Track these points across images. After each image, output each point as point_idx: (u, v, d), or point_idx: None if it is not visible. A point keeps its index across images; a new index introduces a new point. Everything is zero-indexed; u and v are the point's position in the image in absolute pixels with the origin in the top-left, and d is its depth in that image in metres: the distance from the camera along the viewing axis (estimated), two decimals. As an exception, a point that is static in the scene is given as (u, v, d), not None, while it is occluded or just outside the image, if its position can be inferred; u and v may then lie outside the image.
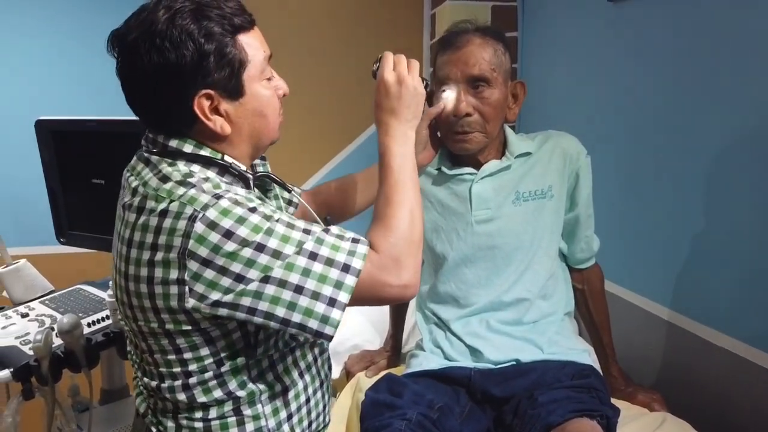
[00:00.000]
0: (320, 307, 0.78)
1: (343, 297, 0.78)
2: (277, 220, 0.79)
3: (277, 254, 0.77)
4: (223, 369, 0.86)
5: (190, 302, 0.77)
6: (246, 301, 0.77)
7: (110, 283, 0.90)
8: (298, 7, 2.14)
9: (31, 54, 1.99)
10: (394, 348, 1.51)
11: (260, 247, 0.76)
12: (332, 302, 0.78)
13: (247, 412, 0.89)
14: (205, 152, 0.85)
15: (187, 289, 0.77)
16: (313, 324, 0.78)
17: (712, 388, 1.31)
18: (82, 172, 1.40)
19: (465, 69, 1.13)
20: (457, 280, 1.24)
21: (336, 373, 1.58)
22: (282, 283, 0.77)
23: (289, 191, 1.06)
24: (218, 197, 0.77)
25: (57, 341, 1.17)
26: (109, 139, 1.33)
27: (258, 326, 0.84)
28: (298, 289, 0.77)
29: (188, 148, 0.85)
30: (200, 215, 0.76)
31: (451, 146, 1.20)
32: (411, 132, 0.93)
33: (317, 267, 0.78)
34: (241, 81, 0.83)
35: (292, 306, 0.77)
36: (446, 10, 2.06)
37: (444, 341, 1.23)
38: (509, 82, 1.19)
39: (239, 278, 0.76)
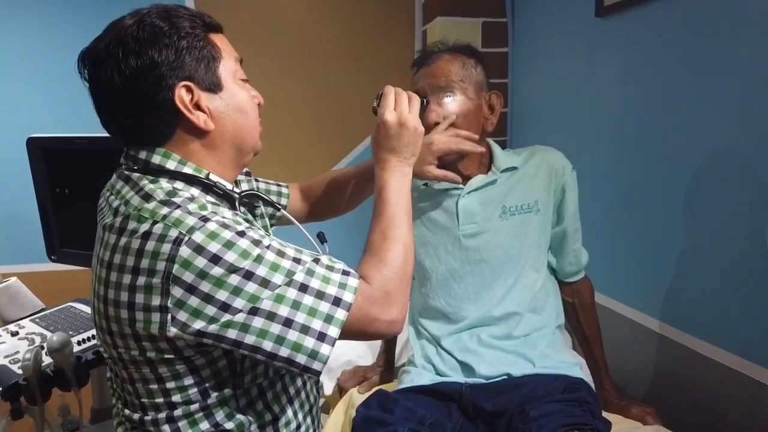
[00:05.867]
0: (309, 342, 0.74)
1: (333, 331, 0.76)
2: (267, 246, 0.75)
3: (265, 283, 0.73)
4: (209, 400, 0.82)
5: (172, 331, 0.73)
6: (232, 333, 0.73)
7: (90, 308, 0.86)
8: (289, 24, 2.16)
9: (23, 72, 1.99)
10: (387, 363, 1.51)
11: (248, 275, 0.73)
12: (322, 337, 0.75)
13: None
14: (189, 169, 0.83)
15: (169, 316, 0.72)
16: (300, 359, 0.74)
17: (704, 399, 1.31)
18: (74, 190, 1.40)
19: (432, 81, 1.18)
20: (447, 295, 1.25)
21: (329, 389, 1.57)
22: (270, 316, 0.73)
23: (278, 209, 1.04)
24: (205, 219, 0.74)
25: (47, 360, 1.17)
26: (100, 156, 1.33)
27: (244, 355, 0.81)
28: (287, 323, 0.74)
29: (171, 164, 0.82)
30: (186, 238, 0.72)
31: None
32: (409, 169, 0.94)
33: (307, 299, 0.75)
34: (217, 74, 0.83)
35: (280, 340, 0.74)
36: (437, 26, 2.08)
37: (435, 356, 1.23)
38: (483, 93, 1.22)
39: (225, 307, 0.72)
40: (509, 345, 1.21)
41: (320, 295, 0.76)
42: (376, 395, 1.16)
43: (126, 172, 0.83)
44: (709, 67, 1.25)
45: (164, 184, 0.80)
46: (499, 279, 1.23)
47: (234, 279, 0.72)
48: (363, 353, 1.65)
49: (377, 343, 1.57)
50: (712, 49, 1.24)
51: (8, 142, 1.88)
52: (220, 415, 0.83)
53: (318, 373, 0.77)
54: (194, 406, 0.81)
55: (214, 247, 0.72)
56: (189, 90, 0.80)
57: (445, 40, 1.25)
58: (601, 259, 1.51)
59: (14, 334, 1.32)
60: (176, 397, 0.80)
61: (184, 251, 0.71)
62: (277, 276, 0.75)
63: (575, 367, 1.20)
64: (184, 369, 0.79)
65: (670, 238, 1.39)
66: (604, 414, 1.16)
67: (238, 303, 0.72)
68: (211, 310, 0.72)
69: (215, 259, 0.72)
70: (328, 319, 0.76)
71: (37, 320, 1.40)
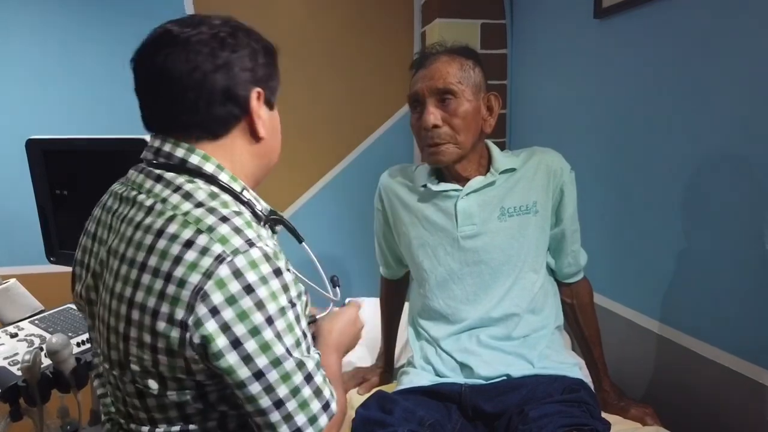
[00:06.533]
0: (310, 411, 0.77)
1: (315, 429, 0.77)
2: (290, 302, 0.76)
3: (279, 337, 0.73)
4: (215, 416, 0.80)
5: (189, 351, 0.72)
6: (240, 374, 0.72)
7: (101, 308, 0.79)
8: (287, 26, 2.16)
9: (23, 73, 2.00)
10: (387, 365, 1.51)
11: (269, 320, 0.72)
12: (313, 420, 0.77)
13: None
14: (225, 177, 0.82)
15: (188, 336, 0.71)
16: (297, 423, 0.75)
17: (703, 400, 1.31)
18: (73, 192, 1.40)
19: (431, 83, 1.18)
20: (446, 297, 1.25)
21: (328, 390, 1.57)
22: (284, 377, 0.74)
23: (300, 242, 1.02)
24: (251, 244, 0.73)
25: (46, 361, 1.17)
26: (99, 158, 1.33)
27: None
28: (294, 391, 0.75)
29: (210, 167, 0.81)
30: (228, 258, 0.71)
31: (426, 159, 1.23)
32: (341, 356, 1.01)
33: (306, 390, 0.76)
34: (275, 94, 0.90)
35: (279, 403, 0.74)
36: (436, 28, 2.09)
37: (435, 357, 1.23)
38: (482, 94, 1.21)
39: (236, 343, 0.71)
40: (508, 346, 1.21)
41: (318, 392, 0.78)
42: (375, 396, 1.16)
43: (157, 171, 0.81)
44: (708, 67, 1.25)
45: (202, 185, 0.79)
46: (497, 280, 1.23)
47: (257, 318, 0.72)
48: (362, 355, 1.65)
49: (376, 345, 1.57)
50: (709, 49, 1.24)
51: (8, 143, 1.88)
52: (232, 425, 0.82)
53: None
54: (215, 417, 0.81)
55: (251, 277, 0.72)
56: (259, 96, 0.84)
57: (443, 42, 1.24)
58: (600, 260, 1.52)
59: (13, 335, 1.32)
60: (192, 409, 0.78)
61: (223, 271, 0.70)
62: (289, 337, 0.75)
63: (574, 367, 1.21)
64: (194, 393, 0.77)
65: (669, 239, 1.40)
66: (603, 414, 1.16)
67: (250, 345, 0.72)
68: (222, 341, 0.71)
69: (249, 289, 0.71)
70: (312, 419, 0.77)
71: (36, 322, 1.40)
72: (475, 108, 1.20)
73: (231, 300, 0.70)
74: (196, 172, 0.80)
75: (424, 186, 1.27)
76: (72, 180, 1.41)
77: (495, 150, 1.27)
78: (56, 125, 1.91)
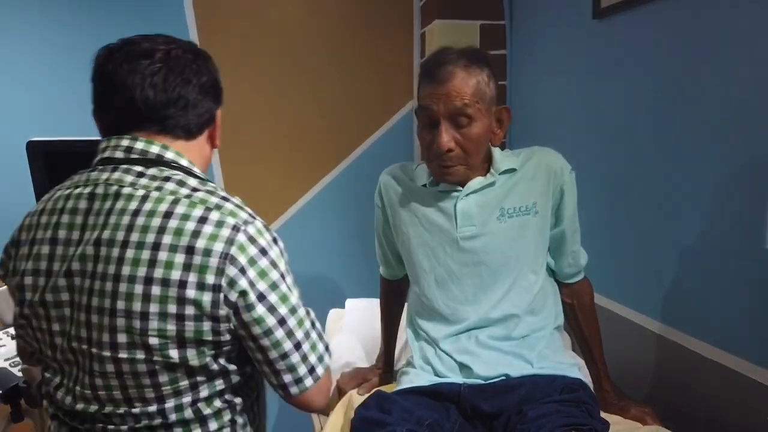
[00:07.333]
0: (312, 360, 0.93)
1: (320, 370, 0.94)
2: (287, 263, 0.92)
3: (290, 290, 0.89)
4: (224, 379, 0.91)
5: (224, 310, 0.83)
6: (267, 323, 0.86)
7: (93, 299, 0.82)
8: (287, 27, 2.16)
9: (22, 75, 2.00)
10: (387, 365, 1.51)
11: (282, 277, 0.88)
12: (319, 361, 0.94)
13: (240, 420, 0.95)
14: (198, 171, 0.94)
15: (222, 296, 0.82)
16: (301, 371, 0.91)
17: (703, 401, 1.31)
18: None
19: (447, 104, 1.13)
20: (445, 297, 1.25)
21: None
22: (300, 323, 0.91)
23: None
24: (253, 217, 0.88)
25: (46, 362, 1.17)
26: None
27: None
28: (306, 335, 0.91)
29: (184, 162, 0.92)
30: (243, 227, 0.84)
31: (434, 174, 1.23)
32: None
33: (314, 334, 0.94)
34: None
35: (298, 346, 0.90)
36: (436, 29, 2.09)
37: (434, 357, 1.23)
38: (493, 108, 1.19)
39: (261, 297, 0.85)
40: (507, 346, 1.21)
41: (320, 335, 0.95)
42: (374, 396, 1.16)
43: (136, 168, 0.88)
44: (707, 68, 1.25)
45: (186, 176, 0.89)
46: (497, 281, 1.23)
47: (274, 274, 0.86)
48: (362, 355, 1.66)
49: (376, 346, 1.57)
50: (709, 50, 1.24)
51: (8, 144, 1.88)
52: (228, 391, 0.92)
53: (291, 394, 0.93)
54: (220, 382, 0.90)
55: (262, 242, 0.86)
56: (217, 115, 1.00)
57: (454, 47, 1.18)
58: (601, 260, 1.52)
59: (15, 337, 1.32)
60: (202, 377, 0.87)
61: (242, 237, 0.84)
62: (296, 292, 0.91)
63: (573, 367, 1.21)
64: (213, 352, 0.86)
65: (670, 239, 1.39)
66: (603, 414, 1.16)
67: (272, 297, 0.86)
68: (251, 296, 0.84)
69: (263, 252, 0.86)
70: (320, 358, 0.94)
71: (37, 323, 1.40)
72: (487, 127, 1.18)
73: (251, 261, 0.84)
74: (174, 165, 0.90)
75: (425, 185, 1.27)
76: (72, 182, 1.42)
77: (495, 150, 1.26)
78: (57, 127, 1.92)
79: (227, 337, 0.86)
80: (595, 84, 1.65)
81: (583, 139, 1.70)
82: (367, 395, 1.29)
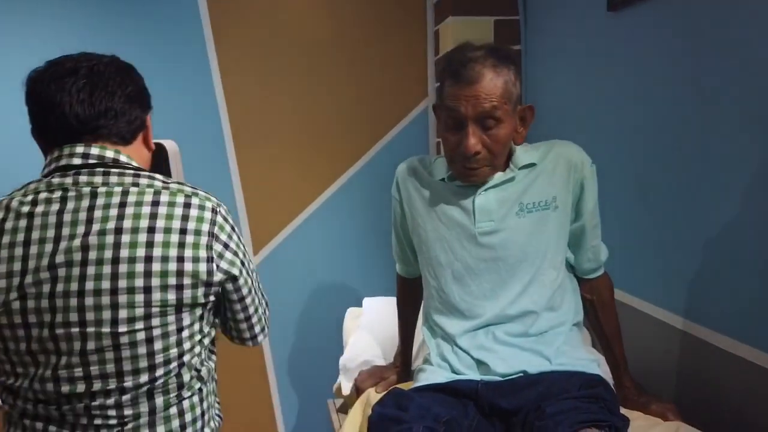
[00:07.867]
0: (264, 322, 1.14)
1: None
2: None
3: (250, 260, 1.08)
4: (206, 342, 1.03)
5: (218, 276, 0.97)
6: (248, 284, 1.05)
7: (87, 284, 0.90)
8: (299, 26, 2.17)
9: (24, 75, 2.03)
10: (404, 363, 1.51)
11: (245, 249, 1.05)
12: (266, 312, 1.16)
13: (204, 390, 1.05)
14: (146, 171, 1.02)
15: (214, 266, 0.97)
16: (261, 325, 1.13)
17: (728, 397, 1.28)
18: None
19: (476, 106, 1.11)
20: (462, 293, 1.24)
21: (346, 389, 1.58)
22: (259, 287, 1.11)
23: None
24: (218, 203, 1.02)
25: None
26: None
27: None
28: (262, 295, 1.13)
29: (135, 164, 1.01)
30: (218, 209, 1.00)
31: (457, 175, 1.22)
32: None
33: (264, 294, 1.15)
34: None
35: (261, 305, 1.12)
36: (449, 26, 2.08)
37: (451, 354, 1.23)
38: (518, 107, 1.18)
39: (242, 263, 1.03)
40: (525, 342, 1.20)
41: (264, 292, 1.15)
42: (391, 393, 1.16)
43: (98, 169, 0.95)
44: (727, 59, 1.23)
45: (145, 172, 0.99)
46: (515, 277, 1.22)
47: (242, 248, 1.04)
48: (380, 354, 1.66)
49: (394, 344, 1.57)
50: (726, 40, 1.22)
51: (8, 145, 1.92)
52: (197, 362, 1.01)
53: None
54: (197, 349, 1.00)
55: (230, 219, 1.03)
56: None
57: (476, 44, 1.16)
58: (621, 255, 1.50)
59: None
60: (187, 344, 0.97)
61: (219, 218, 0.99)
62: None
63: (592, 364, 1.19)
64: (201, 312, 0.99)
65: (692, 233, 1.37)
66: (623, 411, 1.14)
67: (249, 266, 1.06)
68: (236, 264, 1.01)
69: (232, 228, 1.02)
70: (267, 315, 1.16)
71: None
72: (513, 128, 1.17)
73: (229, 236, 1.00)
74: (129, 166, 0.98)
75: (443, 179, 1.26)
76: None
77: (515, 146, 1.25)
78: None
79: (212, 298, 0.99)
80: (612, 77, 1.62)
81: (600, 133, 1.68)
82: (384, 393, 1.30)
